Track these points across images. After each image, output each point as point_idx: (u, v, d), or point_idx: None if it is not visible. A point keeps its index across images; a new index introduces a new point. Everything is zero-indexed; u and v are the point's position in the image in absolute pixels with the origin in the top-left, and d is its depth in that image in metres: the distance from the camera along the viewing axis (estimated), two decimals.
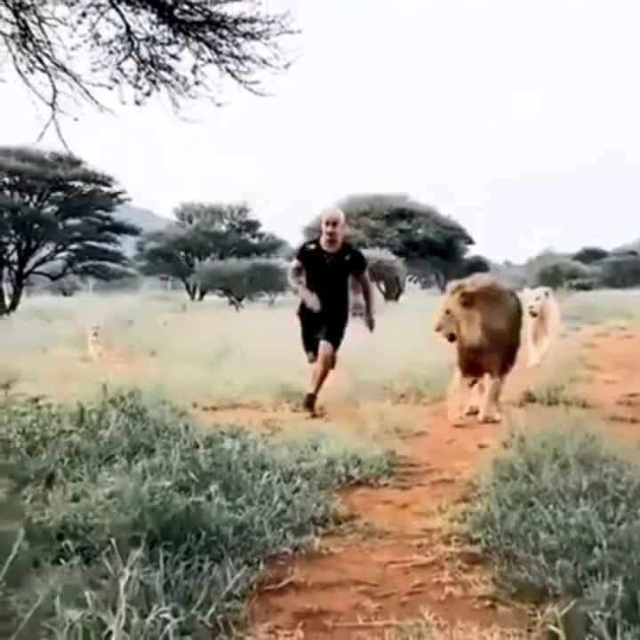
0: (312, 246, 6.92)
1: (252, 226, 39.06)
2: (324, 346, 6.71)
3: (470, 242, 43.57)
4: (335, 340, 6.80)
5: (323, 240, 6.81)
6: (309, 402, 6.62)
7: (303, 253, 6.97)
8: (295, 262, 7.05)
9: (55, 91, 5.58)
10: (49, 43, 5.52)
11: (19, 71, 5.50)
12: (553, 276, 38.58)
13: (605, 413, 5.98)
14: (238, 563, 2.58)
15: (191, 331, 13.53)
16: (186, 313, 22.80)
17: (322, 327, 6.79)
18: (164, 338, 12.76)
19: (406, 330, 11.64)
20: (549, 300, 9.84)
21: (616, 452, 3.96)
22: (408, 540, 3.09)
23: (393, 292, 31.10)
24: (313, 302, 6.70)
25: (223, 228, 39.69)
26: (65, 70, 5.54)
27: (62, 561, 2.35)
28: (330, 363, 6.75)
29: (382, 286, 30.75)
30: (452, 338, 6.21)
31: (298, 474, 3.80)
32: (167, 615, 1.86)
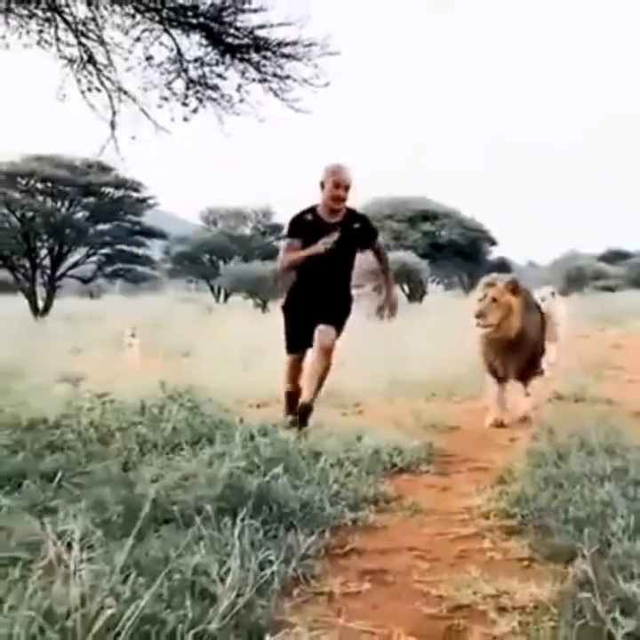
0: (308, 217, 5.42)
1: (276, 229, 39.53)
2: (325, 332, 5.36)
3: (494, 243, 43.78)
4: (339, 324, 5.49)
5: (323, 208, 5.40)
6: (304, 413, 5.40)
7: (298, 227, 5.44)
8: (290, 241, 5.51)
9: (114, 111, 6.04)
10: (110, 64, 5.97)
11: (81, 92, 5.95)
12: (577, 277, 38.73)
13: (629, 410, 6.30)
14: (306, 532, 2.98)
15: (220, 332, 13.91)
16: (212, 315, 23.27)
17: (322, 312, 5.42)
18: (195, 339, 13.16)
19: (433, 330, 12.05)
20: (556, 300, 9.45)
21: (639, 442, 4.34)
22: (451, 516, 3.49)
23: (417, 293, 31.49)
24: (325, 243, 5.30)
25: (248, 232, 40.26)
26: (125, 92, 6.00)
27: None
28: (332, 356, 5.43)
29: (406, 288, 31.18)
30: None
31: (347, 461, 4.19)
32: (272, 558, 2.31)
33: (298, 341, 5.60)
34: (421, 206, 38.65)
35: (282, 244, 6.25)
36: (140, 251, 29.57)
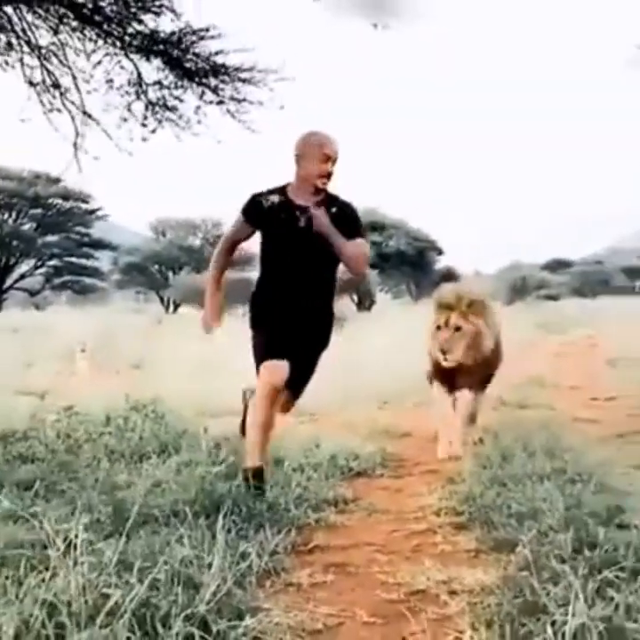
0: (274, 199, 4.12)
1: None
2: (274, 368, 3.96)
3: (440, 252, 44.68)
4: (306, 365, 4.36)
5: (298, 189, 4.13)
6: (257, 476, 3.82)
7: (258, 212, 4.13)
8: (239, 225, 4.24)
9: (77, 132, 6.24)
10: (73, 87, 6.18)
11: (44, 113, 6.15)
12: (522, 286, 39.71)
13: (569, 415, 6.68)
14: (274, 531, 3.24)
15: (171, 344, 13.97)
16: (162, 326, 23.26)
17: (296, 336, 4.08)
18: (145, 351, 13.20)
19: (383, 338, 12.40)
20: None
21: (576, 445, 4.72)
22: (405, 514, 3.80)
23: (366, 302, 32.03)
24: (209, 318, 4.27)
25: (197, 242, 40.32)
26: (89, 115, 6.20)
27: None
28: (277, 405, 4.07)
29: (355, 297, 31.68)
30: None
31: (307, 466, 4.46)
32: (250, 550, 2.59)
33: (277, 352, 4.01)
34: (370, 217, 39.22)
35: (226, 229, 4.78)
36: (89, 262, 29.55)
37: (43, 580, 2.16)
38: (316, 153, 4.07)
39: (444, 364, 5.14)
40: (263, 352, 4.04)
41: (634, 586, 2.32)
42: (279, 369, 3.94)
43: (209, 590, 2.24)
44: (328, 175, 4.09)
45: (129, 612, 2.01)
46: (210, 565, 2.44)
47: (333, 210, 4.07)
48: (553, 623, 2.09)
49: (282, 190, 4.14)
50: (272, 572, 2.86)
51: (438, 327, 5.17)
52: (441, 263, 45.03)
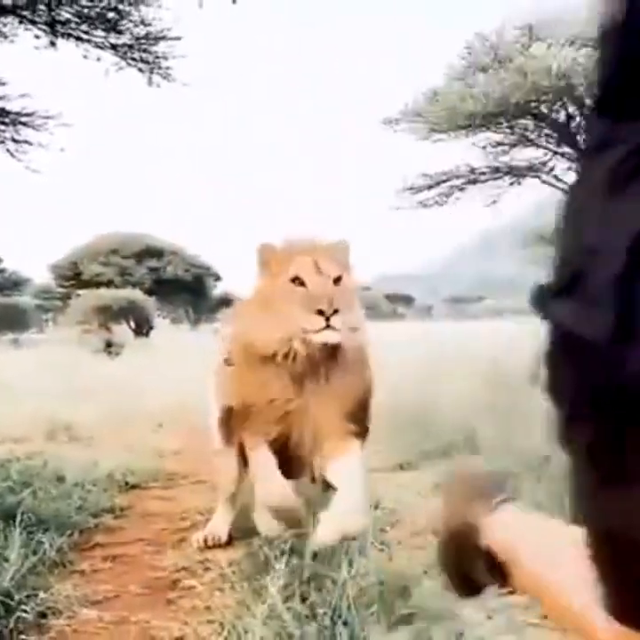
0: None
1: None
2: None
3: (218, 278, 45.65)
4: None
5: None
6: None
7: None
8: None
9: None
10: None
11: None
12: None
13: None
14: (59, 534, 3.81)
15: None
16: None
17: None
18: None
19: (159, 363, 12.99)
20: None
21: None
22: (174, 516, 4.49)
23: (144, 328, 32.17)
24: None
25: None
26: None
27: None
28: None
29: (132, 324, 31.72)
30: None
31: (87, 482, 5.01)
32: (43, 539, 3.17)
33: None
34: (147, 242, 39.50)
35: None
36: None
37: None
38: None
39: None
40: None
41: None
42: None
43: (8, 574, 2.81)
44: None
45: None
46: (6, 559, 3.01)
47: None
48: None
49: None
50: (60, 564, 3.44)
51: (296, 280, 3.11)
52: (219, 289, 46.04)
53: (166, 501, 4.94)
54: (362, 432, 3.20)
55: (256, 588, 2.93)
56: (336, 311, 2.87)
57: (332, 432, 3.08)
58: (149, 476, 5.54)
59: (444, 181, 12.65)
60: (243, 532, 3.81)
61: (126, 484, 5.29)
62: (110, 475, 5.34)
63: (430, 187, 12.76)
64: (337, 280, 3.02)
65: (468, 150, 12.48)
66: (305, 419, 3.09)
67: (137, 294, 30.17)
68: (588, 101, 11.64)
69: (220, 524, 3.87)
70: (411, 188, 12.89)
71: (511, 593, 1.72)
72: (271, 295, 3.03)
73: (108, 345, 20.65)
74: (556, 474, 3.92)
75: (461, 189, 12.80)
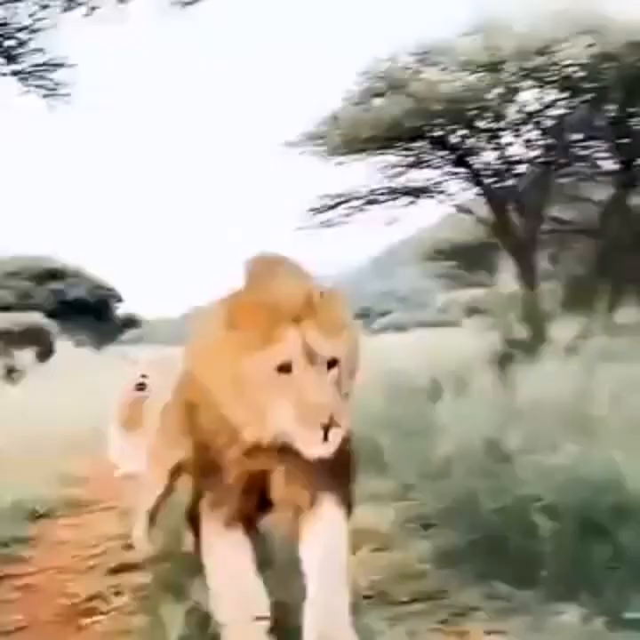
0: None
1: None
2: None
3: (120, 299, 44.85)
4: None
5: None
6: None
7: None
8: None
9: None
10: None
11: None
12: None
13: None
14: None
15: None
16: None
17: None
18: None
19: (63, 387, 12.80)
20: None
21: None
22: (84, 542, 4.51)
23: (46, 352, 31.35)
24: None
25: None
26: None
27: None
28: None
29: (34, 348, 30.87)
30: None
31: None
32: None
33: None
34: (48, 264, 38.50)
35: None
36: None
37: None
38: None
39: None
40: None
41: None
42: None
43: None
44: None
45: None
46: None
47: None
48: None
49: None
50: None
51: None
52: (121, 310, 45.19)
53: (76, 529, 4.95)
54: (344, 498, 2.43)
55: (169, 611, 3.02)
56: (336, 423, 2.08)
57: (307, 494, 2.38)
58: (59, 503, 5.53)
59: (345, 202, 13.00)
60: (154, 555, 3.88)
61: (35, 512, 5.27)
62: (19, 503, 5.30)
63: (331, 207, 13.07)
64: (332, 363, 2.20)
65: (368, 172, 12.83)
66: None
67: (38, 317, 29.40)
68: (479, 124, 12.23)
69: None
70: (313, 209, 13.17)
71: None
72: (243, 370, 2.14)
73: (10, 371, 20.11)
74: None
75: (361, 210, 13.17)
